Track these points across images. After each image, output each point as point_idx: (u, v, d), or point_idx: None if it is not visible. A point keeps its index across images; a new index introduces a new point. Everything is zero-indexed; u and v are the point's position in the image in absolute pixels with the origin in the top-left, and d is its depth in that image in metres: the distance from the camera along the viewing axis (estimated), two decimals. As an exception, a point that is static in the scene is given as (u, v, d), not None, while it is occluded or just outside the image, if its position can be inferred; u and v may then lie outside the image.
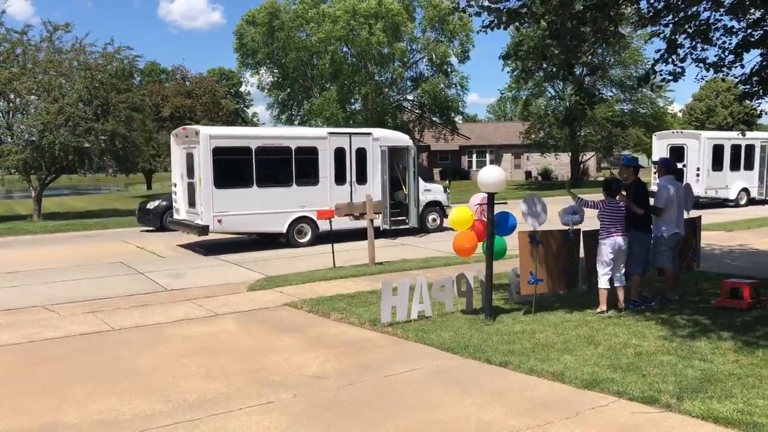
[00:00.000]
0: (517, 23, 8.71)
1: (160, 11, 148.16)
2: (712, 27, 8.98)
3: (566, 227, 8.63)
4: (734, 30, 9.20)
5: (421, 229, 18.14)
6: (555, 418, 5.02)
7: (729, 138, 25.41)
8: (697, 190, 24.10)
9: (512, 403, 5.38)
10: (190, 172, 15.72)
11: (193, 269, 12.93)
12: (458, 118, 47.31)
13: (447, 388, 5.79)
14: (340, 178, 16.77)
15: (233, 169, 15.41)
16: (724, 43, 9.22)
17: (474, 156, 55.08)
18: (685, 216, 9.01)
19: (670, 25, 8.93)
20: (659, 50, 9.28)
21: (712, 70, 9.45)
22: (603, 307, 8.19)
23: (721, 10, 8.67)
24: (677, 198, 8.44)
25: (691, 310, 8.27)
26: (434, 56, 42.28)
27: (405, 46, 41.86)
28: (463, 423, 5.01)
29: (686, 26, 8.72)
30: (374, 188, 17.11)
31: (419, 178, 18.27)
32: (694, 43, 9.03)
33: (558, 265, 8.65)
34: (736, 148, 25.44)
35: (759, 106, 9.77)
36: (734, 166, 25.38)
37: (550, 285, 8.65)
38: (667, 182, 8.52)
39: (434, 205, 18.65)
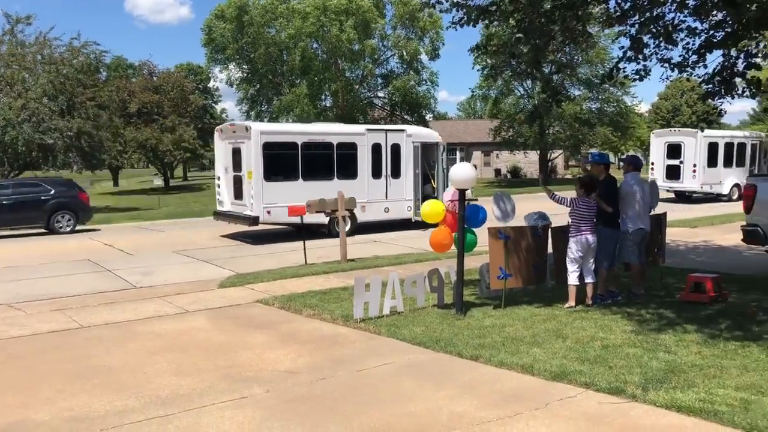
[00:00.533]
0: (486, 21, 8.81)
1: (126, 5, 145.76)
2: (677, 28, 9.20)
3: (535, 225, 8.78)
4: (698, 31, 9.43)
5: None
6: (525, 409, 5.12)
7: (723, 136, 26.63)
8: (694, 186, 25.61)
9: (483, 395, 5.47)
10: (236, 165, 16.62)
11: (162, 266, 12.81)
12: (429, 116, 47.52)
13: (419, 382, 5.86)
14: (376, 173, 17.82)
15: (281, 163, 16.26)
16: (687, 44, 9.44)
17: (444, 153, 55.33)
18: (652, 212, 9.22)
19: (636, 25, 9.13)
20: (623, 47, 9.47)
21: (676, 70, 9.68)
22: (572, 302, 8.34)
23: (685, 11, 8.88)
24: (642, 194, 8.63)
25: (657, 304, 8.47)
26: (405, 53, 42.43)
27: (375, 44, 41.91)
28: (435, 415, 5.09)
29: (651, 26, 8.92)
30: (407, 182, 18.43)
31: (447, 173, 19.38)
32: (658, 43, 9.24)
33: (527, 260, 8.78)
34: (729, 146, 26.76)
35: (721, 105, 10.07)
36: (727, 162, 26.65)
37: (520, 280, 8.78)
38: (631, 178, 8.71)
39: None
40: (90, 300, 9.81)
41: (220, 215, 17.20)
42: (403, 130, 18.81)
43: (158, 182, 52.33)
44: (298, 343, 7.21)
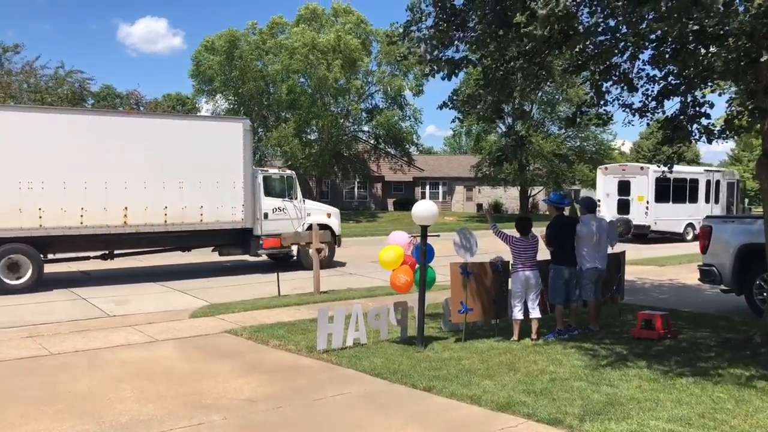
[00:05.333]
0: (457, 71, 9.20)
1: (119, 34, 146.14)
2: (636, 76, 9.68)
3: (494, 262, 9.13)
4: (657, 78, 9.92)
5: None
6: (466, 437, 5.40)
7: None
8: None
9: (430, 424, 5.74)
10: (622, 192, 26.15)
11: (137, 296, 12.98)
12: (413, 149, 48.21)
13: (370, 411, 6.12)
14: (706, 200, 27.36)
15: (662, 192, 25.79)
16: (647, 90, 9.92)
17: (427, 188, 55.98)
18: (610, 251, 9.62)
19: (597, 73, 9.61)
20: (587, 92, 9.93)
21: (637, 115, 10.15)
22: (515, 337, 8.69)
23: (640, 61, 9.37)
24: (597, 234, 9.03)
25: (610, 340, 8.80)
26: (389, 89, 43.20)
27: (361, 82, 42.62)
28: (382, 443, 5.35)
29: (612, 74, 9.39)
30: (719, 207, 27.57)
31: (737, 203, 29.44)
32: (619, 88, 9.71)
33: (488, 295, 9.09)
34: None
35: (679, 149, 10.54)
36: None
37: (480, 314, 9.08)
38: (589, 219, 9.12)
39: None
40: (62, 328, 9.98)
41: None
42: (721, 171, 29.50)
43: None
44: (260, 373, 7.45)
